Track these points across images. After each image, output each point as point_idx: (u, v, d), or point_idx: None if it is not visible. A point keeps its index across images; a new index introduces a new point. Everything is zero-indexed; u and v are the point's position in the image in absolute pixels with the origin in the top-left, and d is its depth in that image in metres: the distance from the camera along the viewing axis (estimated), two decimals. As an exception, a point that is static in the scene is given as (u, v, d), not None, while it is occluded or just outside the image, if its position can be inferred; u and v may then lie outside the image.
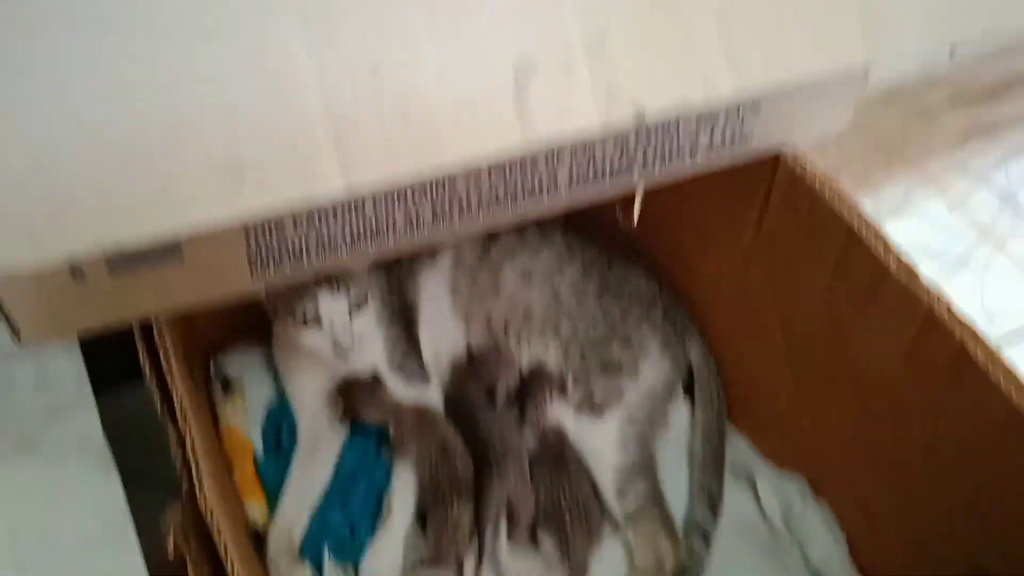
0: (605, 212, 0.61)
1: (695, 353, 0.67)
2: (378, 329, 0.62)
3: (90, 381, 0.53)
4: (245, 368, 0.66)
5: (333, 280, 0.56)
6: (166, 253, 0.39)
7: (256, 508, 0.59)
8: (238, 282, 0.45)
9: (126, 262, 0.37)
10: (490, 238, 0.66)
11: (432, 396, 0.65)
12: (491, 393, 0.64)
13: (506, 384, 0.64)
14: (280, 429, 0.63)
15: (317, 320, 0.56)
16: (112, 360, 0.54)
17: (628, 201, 0.59)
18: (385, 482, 0.61)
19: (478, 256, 0.67)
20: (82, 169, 0.30)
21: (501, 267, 0.66)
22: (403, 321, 0.65)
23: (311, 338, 0.57)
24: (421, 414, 0.63)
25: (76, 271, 0.37)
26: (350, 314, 0.57)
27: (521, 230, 0.67)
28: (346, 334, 0.57)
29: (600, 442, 0.62)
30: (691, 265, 0.68)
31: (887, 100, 0.89)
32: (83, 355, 0.55)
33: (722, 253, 0.64)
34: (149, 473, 0.49)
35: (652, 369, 0.65)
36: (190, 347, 0.57)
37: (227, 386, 0.65)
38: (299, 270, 0.46)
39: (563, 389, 0.64)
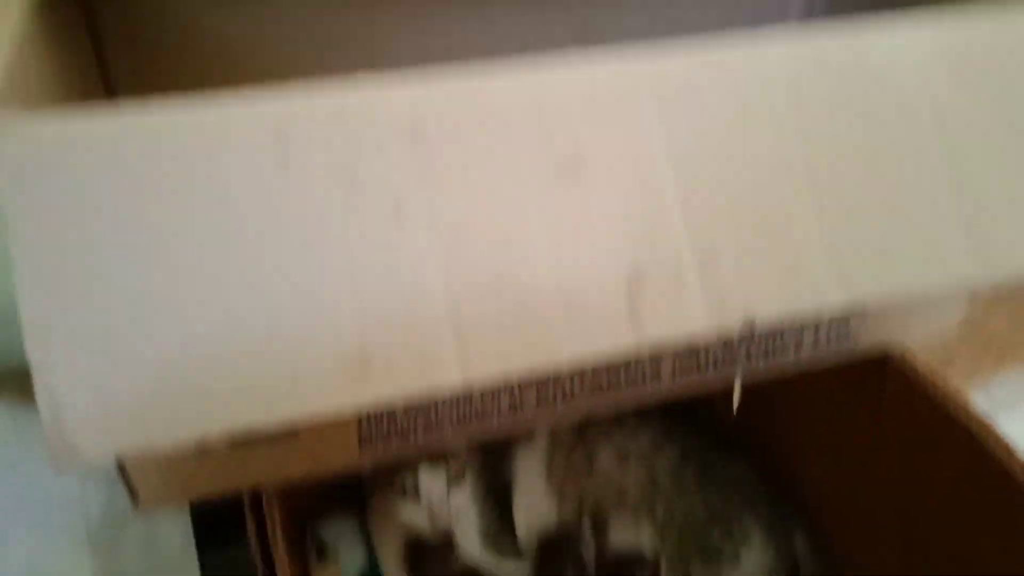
0: (704, 398, 0.61)
1: (801, 546, 0.65)
2: (473, 505, 0.62)
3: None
4: (339, 536, 0.66)
5: (433, 455, 0.57)
6: (285, 432, 0.41)
7: None
8: (346, 458, 0.47)
9: (246, 439, 0.39)
10: (587, 418, 0.67)
11: (524, 572, 0.64)
12: (581, 572, 0.62)
13: (594, 568, 0.63)
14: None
15: (416, 493, 0.57)
16: (214, 522, 0.56)
17: (728, 390, 0.59)
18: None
19: (575, 435, 0.67)
20: (224, 357, 0.33)
21: (597, 447, 0.66)
22: (498, 498, 0.65)
23: (409, 511, 0.58)
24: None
25: (200, 447, 0.39)
26: (448, 488, 0.58)
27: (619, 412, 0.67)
28: (444, 507, 0.57)
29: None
30: (797, 457, 0.67)
31: (994, 298, 0.87)
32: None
33: (831, 448, 0.62)
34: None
35: (755, 559, 0.62)
36: (290, 514, 0.58)
37: (321, 552, 0.66)
38: (404, 448, 0.48)
39: (657, 575, 0.62)
